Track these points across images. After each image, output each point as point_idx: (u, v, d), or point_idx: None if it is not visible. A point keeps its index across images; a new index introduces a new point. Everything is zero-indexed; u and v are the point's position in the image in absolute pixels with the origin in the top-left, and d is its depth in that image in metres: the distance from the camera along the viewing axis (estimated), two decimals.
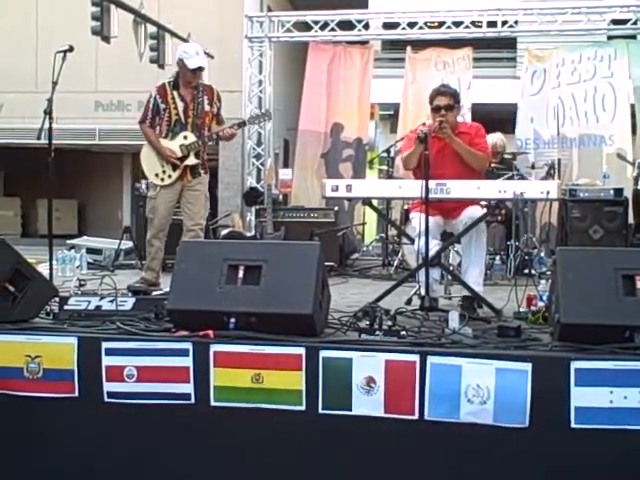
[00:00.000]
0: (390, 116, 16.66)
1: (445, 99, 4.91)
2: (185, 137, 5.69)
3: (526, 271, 7.04)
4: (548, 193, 4.29)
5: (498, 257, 7.30)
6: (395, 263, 7.55)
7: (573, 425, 3.28)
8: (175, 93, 5.70)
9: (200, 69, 5.70)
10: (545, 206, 7.78)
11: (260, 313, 3.60)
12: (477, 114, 10.27)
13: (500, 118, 10.25)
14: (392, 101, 11.77)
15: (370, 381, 3.42)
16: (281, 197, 10.25)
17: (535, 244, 7.81)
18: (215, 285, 3.70)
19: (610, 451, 3.30)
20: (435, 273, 4.64)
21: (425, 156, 4.24)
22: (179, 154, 5.68)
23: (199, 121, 5.73)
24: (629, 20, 9.63)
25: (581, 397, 3.28)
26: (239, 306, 3.62)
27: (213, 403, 3.51)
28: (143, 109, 5.88)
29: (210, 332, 3.56)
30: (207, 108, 5.76)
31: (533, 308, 4.37)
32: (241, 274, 3.71)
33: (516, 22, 10.36)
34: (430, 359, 3.39)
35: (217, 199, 13.27)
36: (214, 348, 3.53)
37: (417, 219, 4.47)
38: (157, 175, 5.75)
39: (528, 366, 3.32)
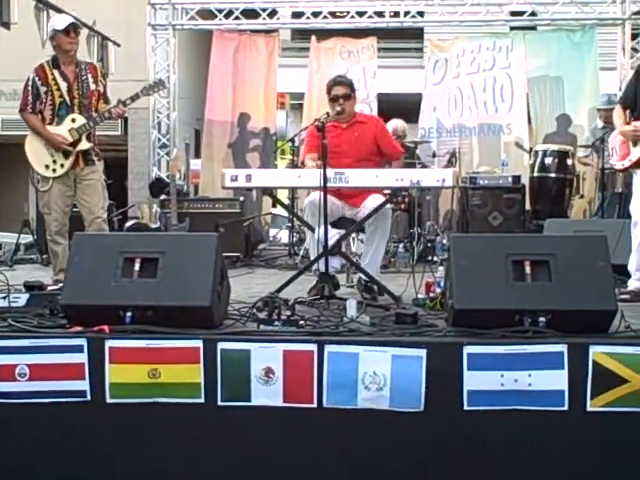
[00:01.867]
0: (301, 105, 16.61)
1: (342, 89, 4.97)
2: (73, 120, 5.28)
3: (429, 258, 7.21)
4: (444, 181, 4.37)
5: (402, 245, 7.41)
6: (301, 252, 7.58)
7: (466, 407, 3.37)
8: (56, 72, 5.28)
9: (74, 27, 5.29)
10: (447, 194, 7.98)
11: (157, 306, 3.55)
12: (385, 103, 10.43)
13: (408, 107, 10.39)
14: (302, 90, 11.78)
15: (269, 372, 3.42)
16: (192, 188, 10.14)
17: (438, 231, 7.97)
18: (110, 279, 3.64)
19: (502, 431, 3.40)
20: (335, 262, 4.68)
21: (323, 145, 4.27)
22: (70, 139, 5.28)
23: (86, 101, 5.32)
24: (525, 12, 9.92)
25: (473, 381, 3.36)
26: (135, 300, 3.56)
27: (109, 400, 3.44)
28: (22, 96, 5.38)
29: (105, 327, 3.49)
30: (92, 87, 5.36)
31: (431, 294, 4.45)
32: (137, 267, 3.65)
33: (422, 13, 10.51)
34: (327, 348, 3.41)
35: (127, 190, 13.03)
36: (109, 344, 3.45)
37: (312, 202, 4.50)
38: (47, 167, 5.33)
39: (423, 352, 3.38)
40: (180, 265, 3.65)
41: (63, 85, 5.30)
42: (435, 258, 7.05)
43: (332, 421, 3.43)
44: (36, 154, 5.37)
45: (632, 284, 4.93)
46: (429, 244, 7.44)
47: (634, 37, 9.52)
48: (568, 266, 3.59)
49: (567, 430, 3.39)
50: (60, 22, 5.33)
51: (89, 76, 5.38)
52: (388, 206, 4.93)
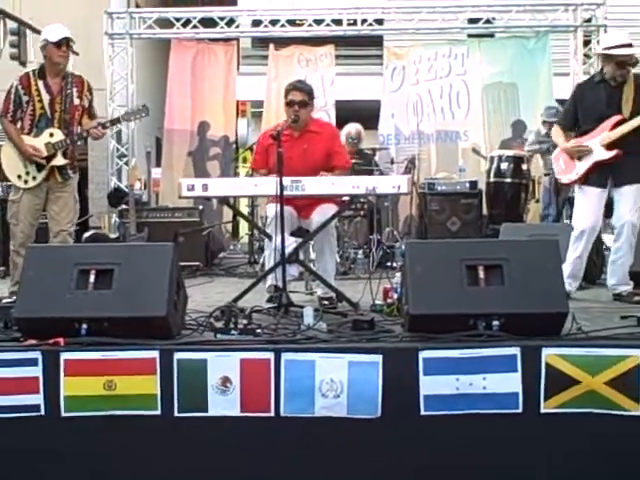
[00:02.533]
0: (262, 113, 16.66)
1: (300, 95, 4.97)
2: (51, 134, 5.20)
3: (389, 264, 7.25)
4: (399, 187, 4.41)
5: (361, 251, 7.45)
6: (261, 260, 7.56)
7: (422, 412, 3.40)
8: (40, 83, 5.19)
9: (66, 41, 5.19)
10: (406, 200, 8.05)
11: (113, 318, 3.52)
12: (344, 111, 10.46)
13: (367, 114, 10.45)
14: (263, 98, 11.76)
15: (226, 381, 3.41)
16: (154, 196, 10.08)
17: (397, 237, 8.02)
18: (65, 291, 3.60)
19: (458, 435, 3.43)
20: (293, 269, 4.70)
21: (279, 154, 4.28)
22: (44, 153, 5.18)
23: (68, 116, 5.24)
24: (481, 19, 10.07)
25: (429, 385, 3.39)
26: (90, 312, 3.53)
27: (64, 414, 3.40)
28: (4, 101, 5.27)
29: (60, 340, 3.46)
30: (76, 102, 5.27)
31: (389, 300, 4.48)
32: (92, 279, 3.62)
33: (381, 21, 10.59)
34: (284, 356, 3.42)
35: (87, 199, 12.85)
36: (64, 356, 3.42)
37: (272, 210, 4.52)
38: (20, 177, 5.22)
39: (379, 358, 3.41)
40: (135, 275, 3.63)
41: (46, 97, 5.21)
42: (394, 264, 7.09)
43: (290, 430, 3.43)
44: (10, 162, 5.28)
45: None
46: (388, 250, 7.48)
47: (586, 44, 9.72)
48: (521, 270, 3.64)
49: (522, 432, 3.43)
50: (53, 34, 5.22)
51: (74, 90, 5.29)
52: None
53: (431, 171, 9.39)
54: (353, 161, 7.29)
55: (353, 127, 8.21)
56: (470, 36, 10.98)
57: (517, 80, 9.33)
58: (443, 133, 9.71)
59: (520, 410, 3.41)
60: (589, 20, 9.46)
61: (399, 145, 9.80)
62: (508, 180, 7.87)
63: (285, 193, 4.33)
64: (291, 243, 4.61)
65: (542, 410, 3.42)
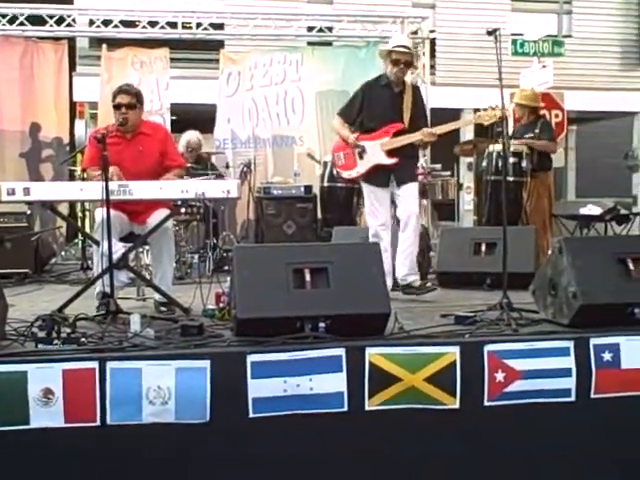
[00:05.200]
0: None
1: (127, 97, 4.89)
2: None
3: (226, 268, 7.24)
4: (229, 192, 4.42)
5: (197, 255, 7.40)
6: (94, 266, 7.34)
7: (251, 415, 3.44)
8: None
9: None
10: (243, 204, 8.09)
11: None
12: (181, 114, 10.35)
13: (204, 118, 10.39)
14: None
15: (48, 392, 3.30)
16: None
17: (234, 241, 8.04)
18: None
19: (287, 436, 3.50)
20: (122, 276, 4.61)
21: (104, 158, 4.18)
22: None
23: None
24: (314, 28, 10.29)
25: (257, 388, 3.44)
26: None
27: None
28: None
29: None
30: None
31: (221, 305, 4.49)
32: None
33: (222, 26, 10.54)
34: (110, 364, 3.36)
35: None
36: None
37: (100, 216, 4.42)
38: None
39: (207, 363, 3.42)
40: None
41: None
42: (231, 268, 7.08)
43: (118, 438, 3.38)
44: None
45: None
46: (225, 254, 7.48)
47: None
48: (345, 272, 3.77)
49: (348, 430, 3.55)
50: None
51: None
52: (170, 225, 4.95)
53: (267, 175, 9.47)
54: (189, 165, 7.28)
55: (194, 135, 8.14)
56: (310, 44, 11.18)
57: (349, 88, 9.41)
58: (279, 138, 9.82)
59: (345, 409, 3.53)
60: (415, 32, 9.89)
61: (236, 150, 9.80)
62: (341, 184, 8.06)
63: (112, 197, 4.24)
64: (119, 248, 4.52)
65: (367, 408, 3.55)
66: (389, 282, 5.35)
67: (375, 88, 5.56)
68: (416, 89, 5.67)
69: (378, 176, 5.44)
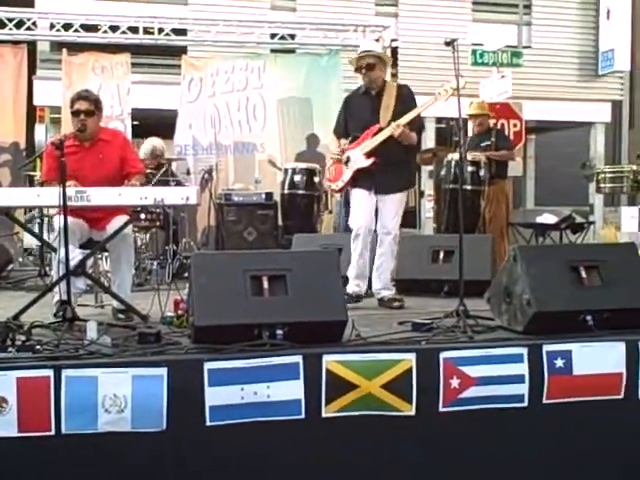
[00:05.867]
0: (61, 119, 15.98)
1: (86, 104, 4.86)
2: None
3: (186, 275, 7.21)
4: (188, 199, 4.41)
5: (157, 262, 7.36)
6: (52, 273, 7.27)
7: (208, 423, 3.43)
8: None
9: None
10: (204, 210, 8.07)
11: None
12: (143, 119, 10.28)
13: (166, 123, 10.36)
14: (61, 104, 11.30)
15: (1, 401, 3.26)
16: None
17: (194, 248, 8.01)
18: None
19: (243, 444, 3.50)
20: (80, 282, 4.58)
21: (61, 163, 4.15)
22: None
23: None
24: (277, 35, 10.33)
25: (214, 396, 3.43)
26: None
27: None
28: None
29: None
30: None
31: (179, 312, 4.48)
32: None
33: (184, 31, 10.50)
34: (65, 372, 3.32)
35: None
36: None
37: (57, 222, 4.39)
38: None
39: (164, 370, 3.40)
40: None
41: None
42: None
43: (72, 447, 3.35)
44: None
45: (350, 288, 5.38)
46: (185, 261, 7.45)
47: None
48: (303, 280, 3.78)
49: (305, 437, 3.56)
50: None
51: None
52: (129, 231, 4.92)
53: (229, 182, 9.46)
54: (148, 171, 7.24)
55: (156, 142, 8.11)
56: (273, 51, 11.20)
57: (311, 95, 9.64)
58: (240, 145, 9.82)
59: (303, 416, 3.53)
60: (377, 40, 9.95)
61: (197, 156, 9.78)
62: (301, 192, 8.10)
63: (70, 204, 4.20)
64: (77, 255, 4.49)
65: (324, 415, 3.56)
66: (363, 287, 5.41)
67: (354, 98, 5.64)
68: (401, 87, 5.60)
69: (361, 179, 5.42)
